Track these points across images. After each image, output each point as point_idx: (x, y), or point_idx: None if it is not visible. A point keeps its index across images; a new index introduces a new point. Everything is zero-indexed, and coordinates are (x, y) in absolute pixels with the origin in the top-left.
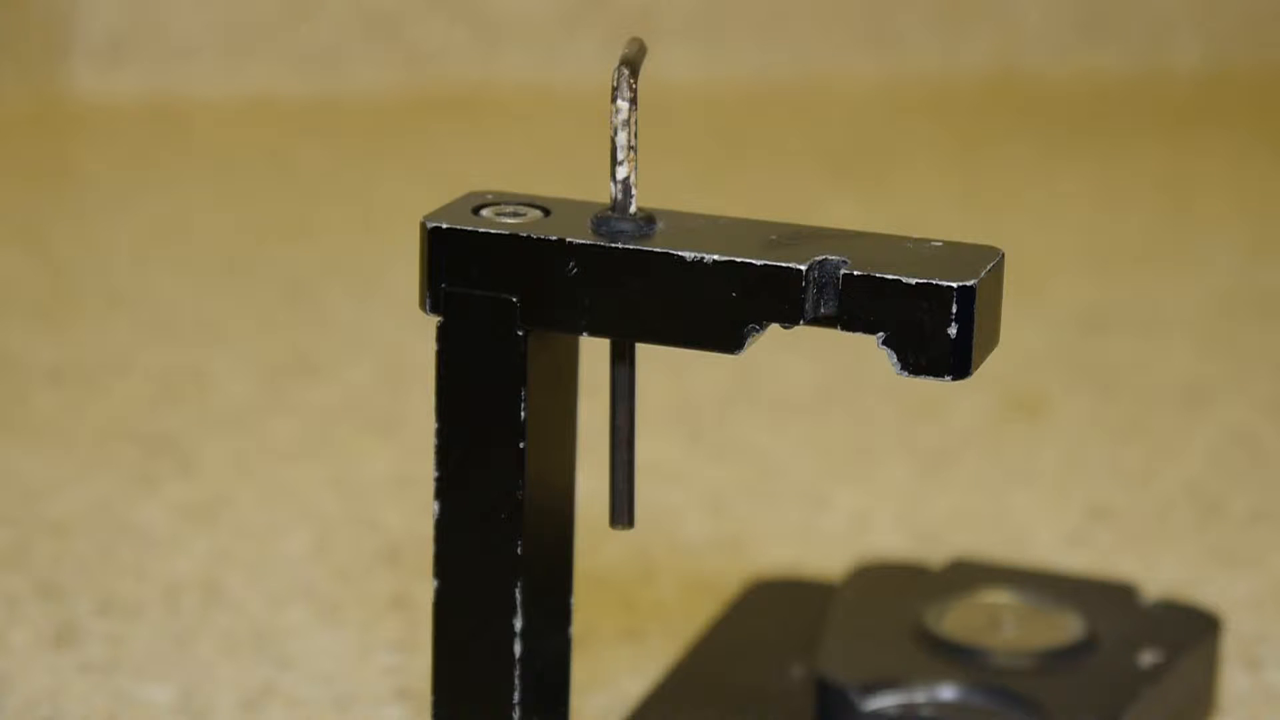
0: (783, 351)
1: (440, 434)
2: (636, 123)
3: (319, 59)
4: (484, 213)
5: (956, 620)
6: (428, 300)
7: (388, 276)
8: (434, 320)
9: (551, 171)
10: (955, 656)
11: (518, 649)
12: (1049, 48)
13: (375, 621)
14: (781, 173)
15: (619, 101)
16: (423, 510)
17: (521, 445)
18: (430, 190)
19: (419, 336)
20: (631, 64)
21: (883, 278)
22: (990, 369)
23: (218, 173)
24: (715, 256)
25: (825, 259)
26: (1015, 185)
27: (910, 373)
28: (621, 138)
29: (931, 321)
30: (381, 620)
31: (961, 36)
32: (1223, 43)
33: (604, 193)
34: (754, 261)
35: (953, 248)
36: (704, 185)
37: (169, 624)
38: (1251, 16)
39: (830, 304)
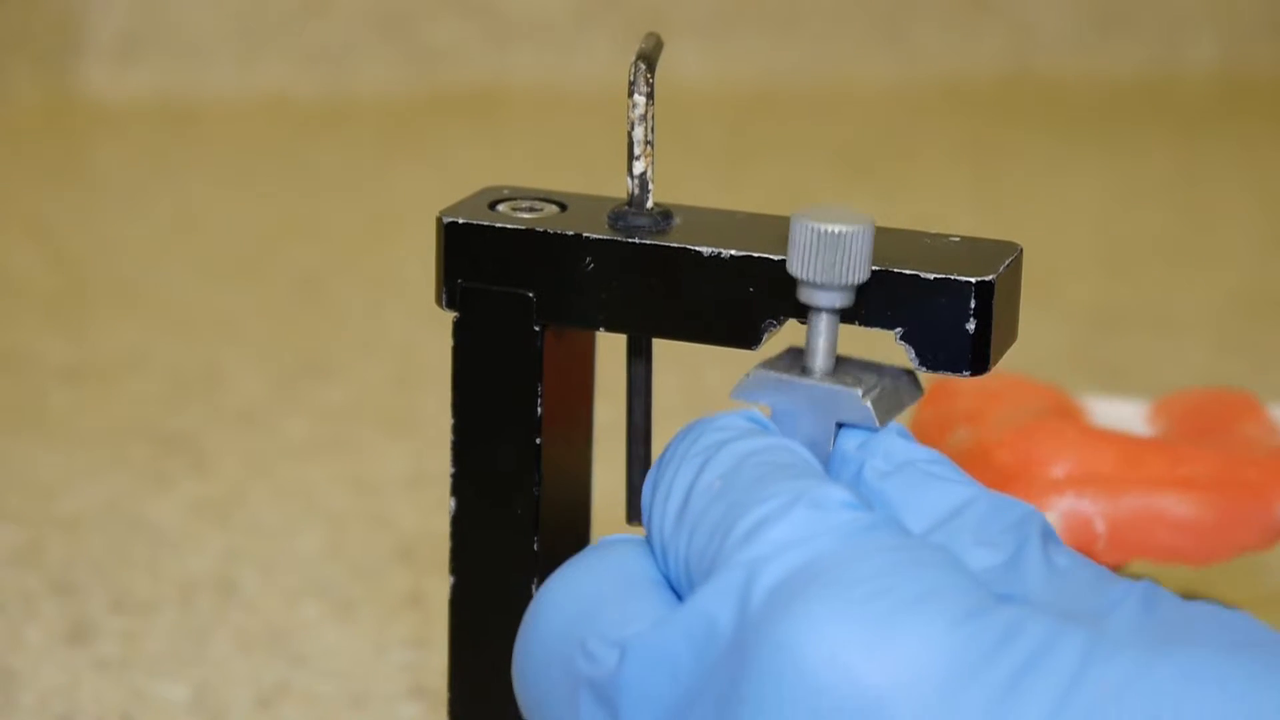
0: None
1: (456, 430)
2: (653, 117)
3: (331, 57)
4: (500, 208)
5: None
6: (444, 296)
7: (401, 274)
8: (449, 317)
9: (565, 169)
10: None
11: None
12: (1064, 46)
13: (390, 618)
14: (796, 171)
15: (636, 96)
16: (437, 507)
17: (538, 441)
18: (444, 188)
19: (433, 334)
20: (648, 59)
21: (900, 272)
22: (1004, 366)
23: (230, 171)
24: (733, 252)
25: None
26: (1031, 183)
27: (929, 368)
28: (638, 132)
29: (950, 317)
30: (396, 617)
31: (976, 35)
32: (1240, 40)
33: (618, 191)
34: (771, 257)
35: (971, 243)
36: (718, 183)
37: (183, 621)
38: (1269, 14)
39: None
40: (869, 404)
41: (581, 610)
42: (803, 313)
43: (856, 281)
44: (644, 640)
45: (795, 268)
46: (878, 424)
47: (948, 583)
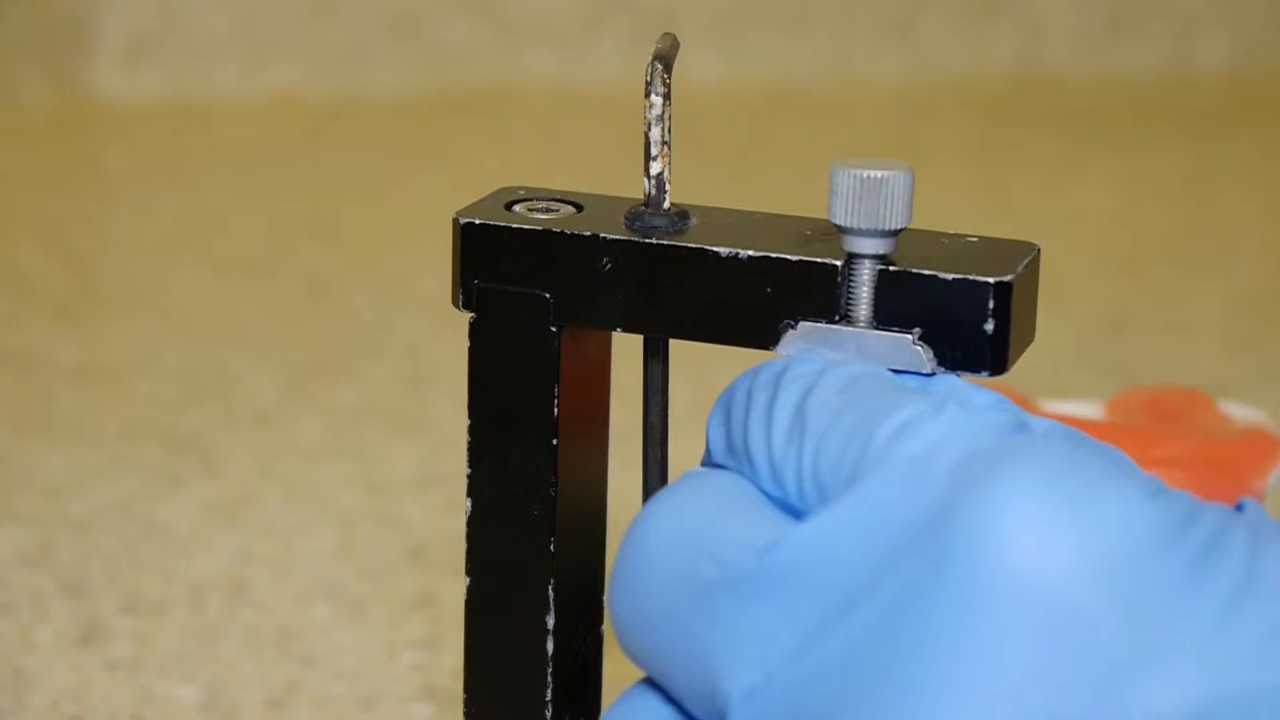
0: None
1: (472, 431)
2: (670, 118)
3: (341, 58)
4: (516, 209)
5: None
6: (460, 297)
7: (412, 275)
8: (459, 317)
9: (575, 169)
10: None
11: (550, 646)
12: (1075, 46)
13: (401, 619)
14: (808, 172)
15: (653, 97)
16: (447, 508)
17: (554, 442)
18: (454, 189)
19: (443, 335)
20: (665, 59)
21: (919, 273)
22: (1015, 368)
23: (241, 172)
24: (750, 252)
25: None
26: (1040, 184)
27: (947, 369)
28: (655, 133)
29: (968, 317)
30: (407, 618)
31: (985, 36)
32: (1250, 41)
33: (630, 191)
34: (789, 257)
35: (988, 243)
36: (730, 183)
37: (194, 622)
38: (1279, 15)
39: None
40: (920, 348)
41: (695, 527)
42: (822, 313)
43: (898, 226)
44: (800, 533)
45: (838, 215)
46: (929, 368)
47: (1123, 465)
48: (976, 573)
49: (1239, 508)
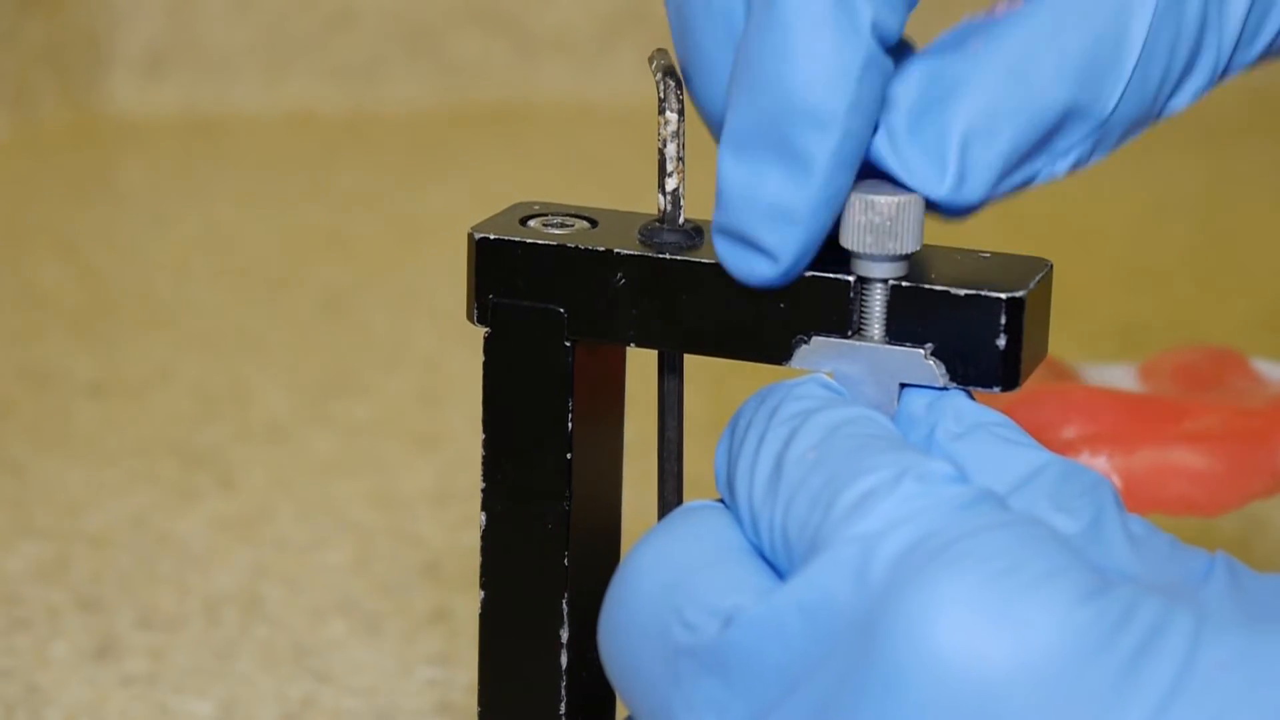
0: None
1: (487, 445)
2: (685, 133)
3: (357, 73)
4: (531, 224)
5: None
6: (475, 312)
7: (427, 289)
8: (474, 332)
9: (591, 185)
10: None
11: (564, 660)
12: None
13: (416, 634)
14: None
15: (668, 113)
16: (462, 523)
17: (568, 456)
18: (470, 204)
19: (459, 349)
20: (677, 75)
21: (931, 289)
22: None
23: (257, 186)
24: None
25: None
26: (1056, 198)
27: (959, 384)
28: (671, 149)
29: (981, 332)
30: (422, 633)
31: None
32: None
33: (644, 205)
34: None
35: (1001, 259)
36: None
37: (210, 637)
38: None
39: None
40: (932, 363)
41: (673, 579)
42: (835, 328)
43: (907, 251)
44: (753, 611)
45: (847, 241)
46: (941, 383)
47: (1065, 561)
48: (905, 677)
49: (1211, 565)
